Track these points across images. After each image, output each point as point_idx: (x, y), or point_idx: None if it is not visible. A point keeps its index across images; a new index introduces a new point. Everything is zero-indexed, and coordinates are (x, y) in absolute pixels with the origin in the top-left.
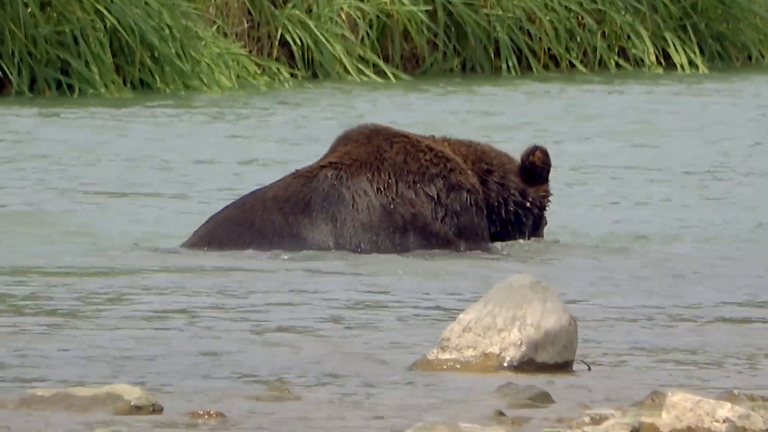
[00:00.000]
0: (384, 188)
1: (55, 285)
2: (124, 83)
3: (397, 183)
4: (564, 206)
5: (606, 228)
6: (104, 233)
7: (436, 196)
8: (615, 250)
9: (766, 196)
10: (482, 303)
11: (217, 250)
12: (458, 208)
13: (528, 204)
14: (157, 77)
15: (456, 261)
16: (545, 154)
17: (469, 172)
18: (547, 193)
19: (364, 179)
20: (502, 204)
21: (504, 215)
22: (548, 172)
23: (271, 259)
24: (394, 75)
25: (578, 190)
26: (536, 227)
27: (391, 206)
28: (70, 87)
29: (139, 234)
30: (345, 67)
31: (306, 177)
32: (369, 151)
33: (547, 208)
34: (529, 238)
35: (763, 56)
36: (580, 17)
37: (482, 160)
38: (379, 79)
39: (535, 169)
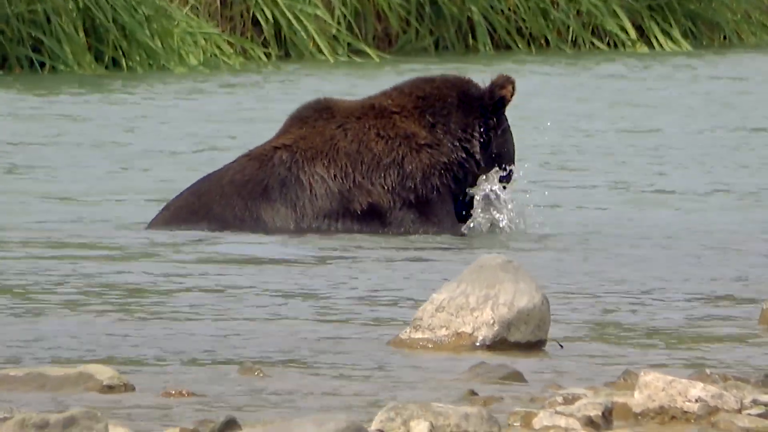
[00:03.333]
0: (342, 176)
1: (20, 264)
2: (96, 61)
3: (353, 172)
4: (541, 187)
5: (583, 212)
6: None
7: (391, 187)
8: (588, 232)
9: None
10: (455, 283)
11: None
12: (413, 198)
13: (481, 138)
14: (128, 56)
15: (420, 246)
16: (515, 86)
17: (420, 139)
18: (503, 126)
19: (321, 165)
20: (456, 154)
21: (467, 164)
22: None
23: (238, 244)
24: (368, 54)
25: (563, 174)
26: (501, 156)
27: (349, 194)
28: (42, 65)
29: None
30: (318, 46)
31: (261, 160)
32: (323, 140)
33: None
34: (508, 166)
35: (738, 36)
36: None
37: (425, 112)
38: (356, 59)
39: (503, 103)
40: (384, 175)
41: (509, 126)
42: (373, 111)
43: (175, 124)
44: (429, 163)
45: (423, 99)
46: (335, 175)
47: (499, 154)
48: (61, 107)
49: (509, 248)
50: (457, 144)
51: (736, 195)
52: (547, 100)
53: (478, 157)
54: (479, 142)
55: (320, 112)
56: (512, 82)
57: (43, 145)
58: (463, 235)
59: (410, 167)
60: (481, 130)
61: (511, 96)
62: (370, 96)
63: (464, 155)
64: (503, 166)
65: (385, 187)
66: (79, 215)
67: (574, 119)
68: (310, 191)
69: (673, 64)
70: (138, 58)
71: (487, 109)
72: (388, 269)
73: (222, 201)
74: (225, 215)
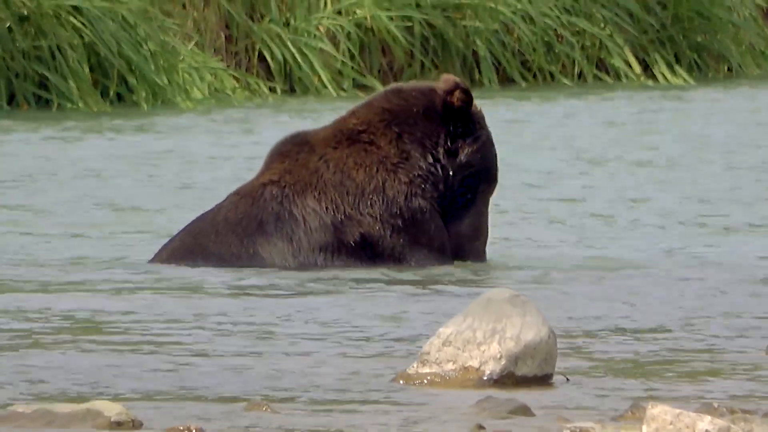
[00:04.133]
0: (333, 208)
1: (26, 300)
2: (102, 97)
3: (342, 204)
4: (543, 224)
5: (586, 248)
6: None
7: (378, 215)
8: (592, 267)
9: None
10: (462, 317)
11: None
12: (401, 222)
13: (447, 144)
14: (134, 91)
15: (426, 279)
16: (465, 92)
17: (394, 158)
18: (474, 135)
19: (311, 198)
20: (427, 161)
21: (439, 170)
22: (469, 109)
23: (237, 280)
24: (373, 88)
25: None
26: (477, 178)
27: (341, 226)
28: (48, 101)
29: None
30: (323, 81)
31: (252, 196)
32: (309, 172)
33: (477, 150)
34: (479, 190)
35: (741, 67)
36: (558, 30)
37: (391, 124)
38: (360, 93)
39: (454, 111)
40: (370, 203)
41: (487, 138)
42: (344, 136)
43: (181, 160)
44: (407, 181)
45: (389, 111)
46: (327, 208)
47: (469, 163)
48: (64, 144)
49: (516, 282)
50: (425, 152)
51: (747, 226)
52: (554, 129)
53: (443, 162)
54: (444, 149)
55: (300, 145)
56: (460, 88)
57: (44, 181)
58: (449, 254)
59: (392, 192)
60: (446, 137)
61: (460, 102)
62: (340, 117)
63: (431, 161)
64: (478, 178)
65: (373, 216)
66: (81, 251)
67: (582, 150)
68: (305, 224)
69: (681, 96)
70: (144, 94)
71: (448, 120)
72: (394, 303)
73: (218, 239)
74: (222, 253)
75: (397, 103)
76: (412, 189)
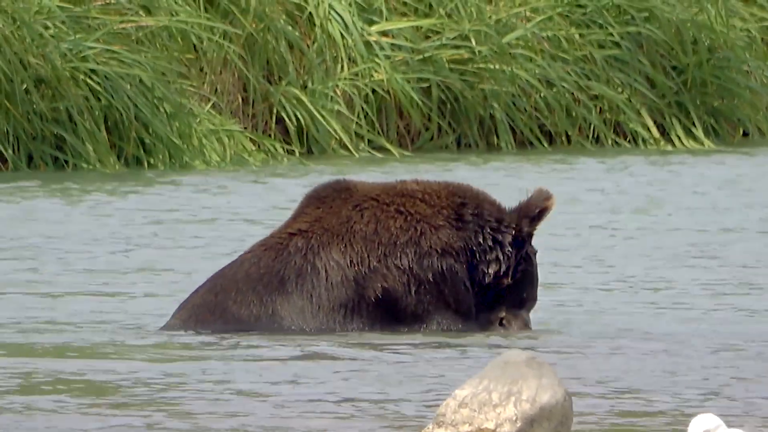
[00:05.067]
0: (358, 262)
1: (37, 365)
2: (119, 159)
3: (368, 256)
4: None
5: (596, 311)
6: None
7: (407, 267)
8: (612, 330)
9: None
10: (478, 379)
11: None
12: (430, 276)
13: (512, 232)
14: (150, 153)
15: (442, 341)
16: (553, 201)
17: (442, 218)
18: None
19: (337, 251)
20: (482, 238)
21: (489, 251)
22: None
23: (254, 347)
24: (391, 150)
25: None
26: (524, 264)
27: (364, 281)
28: (65, 163)
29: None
30: (341, 143)
31: (276, 249)
32: (340, 221)
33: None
34: (520, 276)
35: (761, 131)
36: (575, 94)
37: (455, 194)
38: (377, 155)
39: (541, 216)
40: (400, 255)
41: (535, 259)
42: (395, 190)
43: (199, 221)
44: (447, 242)
45: (458, 195)
46: (351, 261)
47: (521, 279)
48: (83, 206)
49: (534, 343)
50: (487, 230)
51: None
52: (576, 196)
53: (506, 248)
54: (512, 238)
55: (339, 192)
56: (554, 197)
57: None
58: (474, 320)
59: (427, 244)
60: (510, 241)
61: (549, 210)
62: (398, 180)
63: (491, 243)
64: (523, 295)
65: (401, 268)
66: (98, 313)
67: (604, 215)
68: (326, 279)
69: (702, 161)
70: (160, 156)
71: (523, 220)
72: (410, 365)
73: (238, 298)
74: (241, 314)
75: (467, 192)
76: (451, 250)
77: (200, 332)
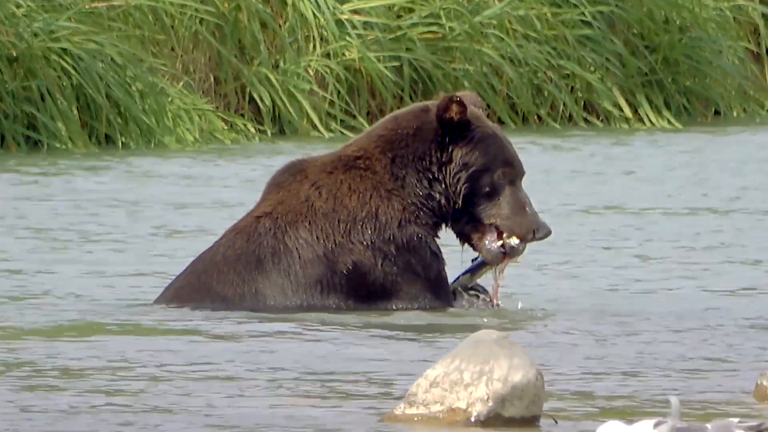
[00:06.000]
0: (324, 237)
1: (23, 344)
2: (90, 138)
3: (333, 232)
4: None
5: (573, 291)
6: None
7: (370, 242)
8: (579, 309)
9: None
10: (449, 358)
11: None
12: (394, 249)
13: (437, 149)
14: (122, 133)
15: (413, 320)
16: (460, 103)
17: (388, 186)
18: (468, 137)
19: (303, 229)
20: (417, 180)
21: (432, 184)
22: (468, 123)
23: (235, 324)
24: (362, 130)
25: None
26: (485, 172)
27: (333, 255)
28: (37, 142)
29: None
30: (312, 123)
31: (247, 232)
32: (300, 201)
33: (483, 167)
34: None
35: (731, 109)
36: (546, 73)
37: (385, 150)
38: (350, 134)
39: (453, 124)
40: (361, 231)
41: (483, 134)
42: (341, 162)
43: (176, 201)
44: (401, 208)
45: (383, 137)
46: (318, 237)
47: (466, 164)
48: (55, 184)
49: (506, 323)
50: (420, 176)
51: (747, 275)
52: (548, 173)
53: (440, 178)
54: (438, 165)
55: (294, 174)
56: (455, 101)
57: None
58: (446, 284)
59: (384, 218)
60: (438, 151)
61: (458, 115)
62: (341, 147)
63: (426, 184)
64: (485, 171)
65: (364, 243)
66: (84, 293)
67: (578, 195)
68: (299, 257)
69: (679, 140)
70: (133, 135)
71: (443, 135)
72: (380, 344)
73: (220, 278)
74: (225, 292)
75: (392, 128)
76: (407, 216)
77: (187, 311)
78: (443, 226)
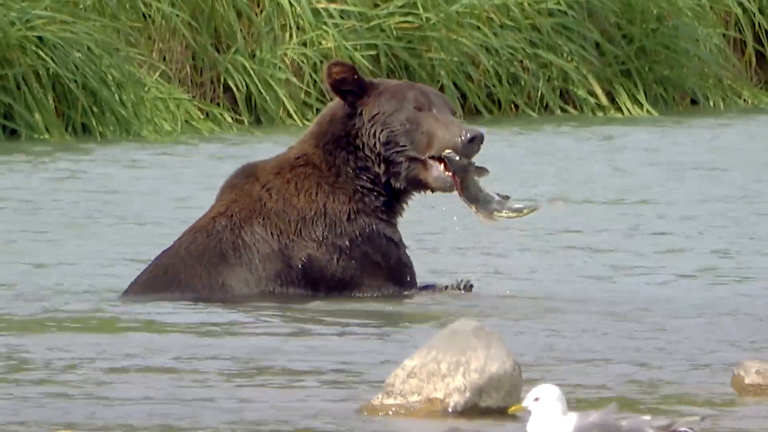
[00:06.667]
0: (277, 234)
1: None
2: (66, 128)
3: (285, 229)
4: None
5: (554, 277)
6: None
7: (322, 238)
8: (563, 299)
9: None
10: (426, 349)
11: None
12: (347, 242)
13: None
14: (99, 122)
15: (390, 310)
16: (339, 64)
17: (331, 182)
18: (368, 93)
19: (258, 224)
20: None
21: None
22: (361, 80)
23: (201, 317)
24: None
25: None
26: (399, 113)
27: (288, 249)
28: (13, 132)
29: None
30: (288, 112)
31: (206, 230)
32: (253, 200)
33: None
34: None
35: (707, 99)
36: (523, 62)
37: (317, 142)
38: None
39: (346, 85)
40: (312, 228)
41: (392, 83)
42: (287, 164)
43: (150, 190)
44: (347, 200)
45: (313, 134)
46: (272, 233)
47: (375, 115)
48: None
49: (483, 313)
50: (347, 154)
51: (732, 267)
52: (536, 165)
53: (363, 144)
54: (352, 133)
55: (247, 177)
56: (333, 64)
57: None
58: (409, 266)
59: (333, 213)
60: (347, 119)
61: (339, 75)
62: (287, 148)
63: (355, 159)
64: (399, 112)
65: (317, 240)
66: (52, 285)
67: (565, 184)
68: (258, 252)
69: (654, 129)
70: (109, 125)
71: (345, 102)
72: (357, 334)
73: (188, 271)
74: (194, 284)
75: (317, 123)
76: (354, 207)
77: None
78: (396, 198)
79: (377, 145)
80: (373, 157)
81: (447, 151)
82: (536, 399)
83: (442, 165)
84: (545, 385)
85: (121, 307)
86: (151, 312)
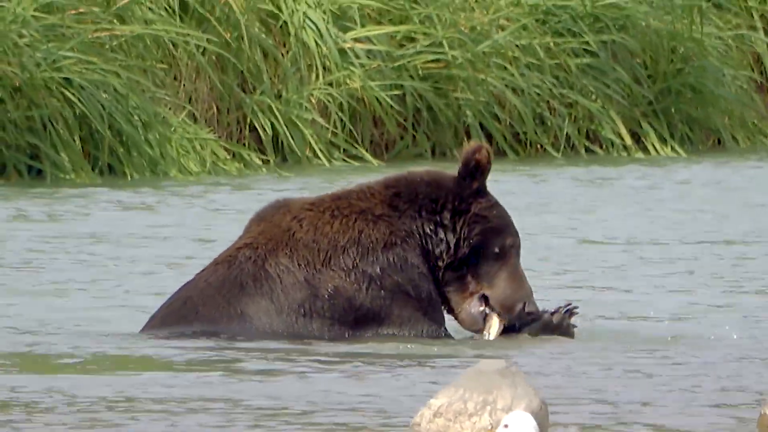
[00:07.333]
0: (304, 264)
1: (13, 375)
2: (93, 168)
3: (313, 260)
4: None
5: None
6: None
7: (352, 266)
8: (586, 337)
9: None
10: (453, 388)
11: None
12: (379, 270)
13: (450, 206)
14: (125, 163)
15: (416, 349)
16: (489, 152)
17: (377, 212)
18: (487, 195)
19: (283, 255)
20: (421, 223)
21: (432, 234)
22: (486, 172)
23: (223, 355)
24: (365, 159)
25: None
26: (479, 224)
27: (314, 280)
28: (40, 172)
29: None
30: (315, 152)
31: (228, 262)
32: (281, 231)
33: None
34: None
35: (735, 139)
36: (549, 102)
37: (389, 186)
38: (353, 163)
39: (477, 171)
40: (342, 257)
41: (499, 203)
42: (329, 197)
43: (178, 231)
44: (388, 233)
45: (391, 178)
46: (299, 264)
47: (485, 217)
48: (56, 216)
49: (509, 352)
50: (423, 214)
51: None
52: (554, 204)
53: (448, 224)
54: (451, 210)
55: (277, 208)
56: (485, 147)
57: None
58: (439, 304)
59: (368, 240)
60: (455, 198)
61: (487, 161)
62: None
63: (433, 227)
64: (497, 232)
65: (346, 268)
66: (75, 324)
67: (579, 226)
68: (281, 282)
69: (681, 170)
70: (136, 165)
71: (462, 180)
72: (383, 373)
73: (206, 301)
74: (213, 315)
75: (399, 178)
76: (393, 239)
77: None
78: (435, 272)
79: (465, 237)
80: (451, 240)
81: (500, 308)
82: (506, 426)
83: (481, 304)
84: (517, 412)
85: (138, 343)
86: (164, 350)
